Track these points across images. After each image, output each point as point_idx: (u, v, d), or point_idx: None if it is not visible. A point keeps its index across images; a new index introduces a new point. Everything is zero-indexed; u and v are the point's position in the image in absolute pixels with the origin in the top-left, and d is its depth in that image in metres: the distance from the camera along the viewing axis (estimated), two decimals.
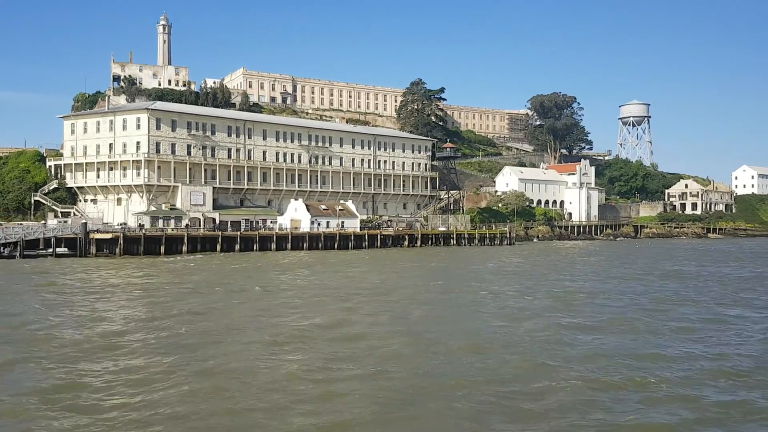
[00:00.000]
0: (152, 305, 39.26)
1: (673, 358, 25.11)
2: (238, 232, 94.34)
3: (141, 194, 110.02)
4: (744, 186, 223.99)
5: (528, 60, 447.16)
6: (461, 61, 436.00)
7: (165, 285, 50.49)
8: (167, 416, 18.33)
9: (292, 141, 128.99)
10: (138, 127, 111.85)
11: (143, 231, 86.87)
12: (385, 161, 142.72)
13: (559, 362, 24.35)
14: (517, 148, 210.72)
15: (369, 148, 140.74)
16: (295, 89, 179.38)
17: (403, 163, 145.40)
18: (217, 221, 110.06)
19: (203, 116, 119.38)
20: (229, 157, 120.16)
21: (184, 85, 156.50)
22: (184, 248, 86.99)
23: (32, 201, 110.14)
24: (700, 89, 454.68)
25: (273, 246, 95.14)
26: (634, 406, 19.42)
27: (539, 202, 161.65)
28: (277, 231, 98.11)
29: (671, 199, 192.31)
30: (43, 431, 17.47)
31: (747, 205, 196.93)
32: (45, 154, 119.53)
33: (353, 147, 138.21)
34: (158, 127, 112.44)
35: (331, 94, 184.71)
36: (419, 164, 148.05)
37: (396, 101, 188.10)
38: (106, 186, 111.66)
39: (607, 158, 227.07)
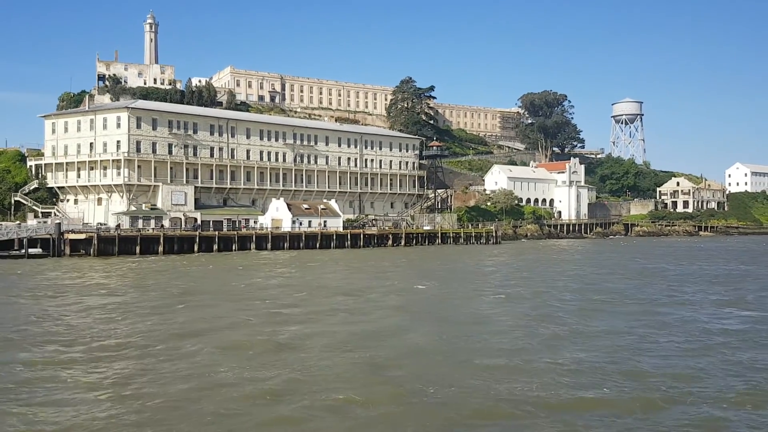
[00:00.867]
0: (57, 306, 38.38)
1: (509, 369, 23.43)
2: (216, 232, 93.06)
3: (121, 194, 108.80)
4: (737, 184, 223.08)
5: (521, 58, 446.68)
6: (453, 59, 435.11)
7: (95, 286, 49.45)
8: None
9: (276, 140, 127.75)
10: (118, 126, 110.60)
11: (118, 231, 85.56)
12: (372, 160, 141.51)
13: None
14: (509, 147, 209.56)
15: (355, 147, 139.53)
16: (283, 88, 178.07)
17: (391, 161, 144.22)
18: (199, 221, 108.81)
19: (185, 115, 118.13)
20: (212, 156, 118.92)
21: (170, 84, 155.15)
22: (160, 249, 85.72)
23: (12, 201, 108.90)
24: (694, 87, 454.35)
25: (252, 246, 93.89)
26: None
27: (529, 200, 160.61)
28: (257, 231, 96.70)
29: (663, 197, 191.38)
30: None
31: (739, 203, 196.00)
32: (26, 154, 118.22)
33: (339, 146, 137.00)
34: (138, 126, 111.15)
35: (321, 93, 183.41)
36: (407, 163, 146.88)
37: (386, 100, 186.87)
38: (86, 186, 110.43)
39: (599, 156, 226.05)
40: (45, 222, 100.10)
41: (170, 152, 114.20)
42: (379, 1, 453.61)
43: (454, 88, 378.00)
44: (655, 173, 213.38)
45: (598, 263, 73.42)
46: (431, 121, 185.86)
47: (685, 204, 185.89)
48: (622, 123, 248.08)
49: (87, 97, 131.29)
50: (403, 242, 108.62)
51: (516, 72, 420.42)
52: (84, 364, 23.73)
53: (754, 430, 17.03)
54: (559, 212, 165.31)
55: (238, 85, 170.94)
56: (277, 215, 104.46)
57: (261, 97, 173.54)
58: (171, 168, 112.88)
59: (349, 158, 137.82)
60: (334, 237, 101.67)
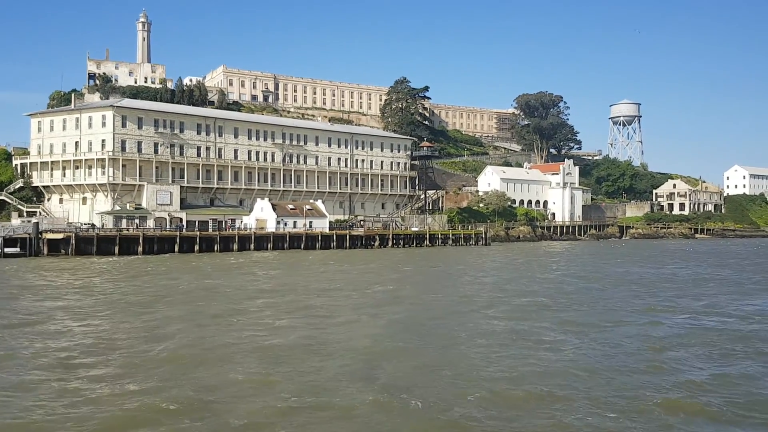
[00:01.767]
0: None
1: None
2: (198, 233, 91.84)
3: (105, 194, 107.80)
4: (736, 186, 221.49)
5: (518, 59, 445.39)
6: (450, 60, 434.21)
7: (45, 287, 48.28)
8: None
9: (265, 139, 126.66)
10: (103, 125, 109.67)
11: (96, 231, 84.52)
12: (363, 160, 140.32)
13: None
14: (505, 148, 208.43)
15: (346, 147, 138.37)
16: (277, 87, 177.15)
17: (382, 162, 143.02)
18: (184, 221, 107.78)
19: (171, 114, 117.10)
20: (199, 155, 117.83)
21: (161, 83, 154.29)
22: (140, 249, 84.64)
23: None
24: (692, 89, 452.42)
25: (235, 246, 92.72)
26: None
27: (522, 202, 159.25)
28: (239, 231, 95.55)
29: (659, 199, 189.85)
30: None
31: (737, 206, 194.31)
32: (12, 153, 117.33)
33: (329, 146, 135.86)
34: (124, 125, 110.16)
35: (314, 93, 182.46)
36: (398, 163, 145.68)
37: (381, 100, 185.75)
38: (71, 185, 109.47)
39: (596, 158, 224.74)
40: (29, 221, 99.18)
41: (156, 151, 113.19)
42: (374, 1, 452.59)
43: (450, 89, 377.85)
44: (652, 175, 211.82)
45: (572, 266, 71.85)
46: (426, 122, 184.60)
47: (682, 206, 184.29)
48: (619, 125, 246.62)
49: (73, 95, 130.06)
50: (390, 243, 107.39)
51: (514, 73, 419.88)
52: None
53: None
54: (553, 214, 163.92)
55: (230, 84, 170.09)
56: (261, 215, 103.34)
57: (254, 97, 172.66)
58: (157, 167, 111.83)
59: (339, 158, 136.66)
60: (320, 238, 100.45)
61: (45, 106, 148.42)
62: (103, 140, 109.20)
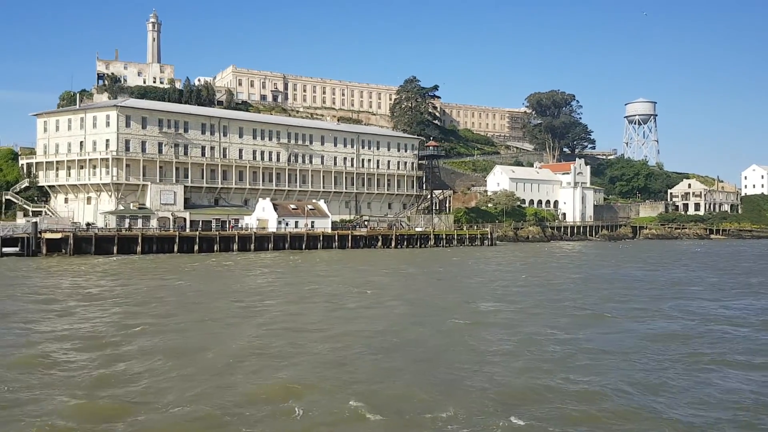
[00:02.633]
0: None
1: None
2: (197, 233, 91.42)
3: (109, 193, 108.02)
4: (754, 186, 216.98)
5: (532, 58, 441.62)
6: (461, 58, 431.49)
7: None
8: None
9: (270, 139, 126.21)
10: (107, 124, 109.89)
11: (95, 231, 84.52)
12: (369, 160, 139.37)
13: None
14: (517, 147, 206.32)
15: (352, 147, 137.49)
16: (286, 87, 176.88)
17: (389, 161, 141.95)
18: (188, 221, 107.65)
19: (175, 113, 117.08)
20: (203, 155, 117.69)
21: (170, 83, 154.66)
22: (138, 248, 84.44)
23: (3, 200, 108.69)
24: (709, 87, 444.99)
25: (235, 247, 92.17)
26: None
27: (532, 202, 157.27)
28: (239, 231, 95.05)
29: (674, 199, 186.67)
30: None
31: (754, 206, 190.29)
32: (19, 153, 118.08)
33: (335, 145, 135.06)
34: (128, 125, 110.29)
35: (324, 92, 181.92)
36: (405, 163, 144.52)
37: (390, 99, 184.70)
38: (75, 185, 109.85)
39: (611, 157, 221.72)
40: (34, 221, 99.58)
41: (160, 151, 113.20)
42: (384, 0, 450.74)
43: (462, 89, 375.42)
44: (667, 175, 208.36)
45: (567, 268, 70.21)
46: (436, 121, 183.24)
47: (697, 206, 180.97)
48: (635, 123, 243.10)
49: (78, 95, 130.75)
50: (393, 244, 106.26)
51: (528, 72, 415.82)
52: None
53: None
54: (564, 214, 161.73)
55: (240, 84, 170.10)
56: (263, 215, 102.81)
57: (263, 97, 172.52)
58: (160, 167, 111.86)
59: (345, 158, 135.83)
60: (321, 238, 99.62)
61: (55, 106, 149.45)
62: (107, 140, 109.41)
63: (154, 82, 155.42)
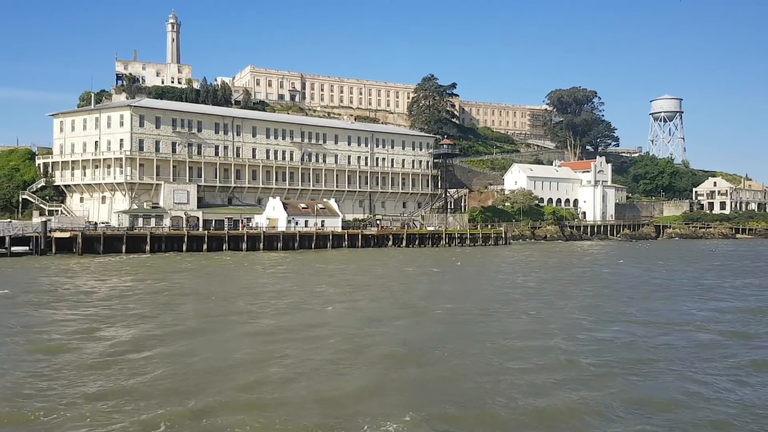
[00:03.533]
0: None
1: None
2: (206, 232, 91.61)
3: (123, 192, 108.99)
4: None
5: (554, 54, 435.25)
6: (483, 56, 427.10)
7: None
8: None
9: (283, 138, 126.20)
10: (121, 124, 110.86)
11: (103, 230, 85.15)
12: (384, 158, 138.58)
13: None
14: (538, 145, 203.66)
15: (366, 145, 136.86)
16: (303, 86, 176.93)
17: (403, 160, 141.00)
18: (201, 220, 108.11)
19: (189, 113, 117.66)
20: (217, 154, 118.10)
21: (187, 83, 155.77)
22: (147, 247, 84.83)
23: (20, 199, 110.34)
24: (737, 82, 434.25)
25: (244, 246, 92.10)
26: None
27: (551, 200, 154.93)
28: (247, 231, 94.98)
29: (699, 197, 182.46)
30: None
31: None
32: (36, 152, 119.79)
33: (349, 144, 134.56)
34: (141, 125, 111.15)
35: (341, 91, 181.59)
36: (420, 162, 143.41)
37: (408, 98, 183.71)
38: (91, 184, 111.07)
39: (636, 155, 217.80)
40: (49, 220, 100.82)
41: (174, 151, 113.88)
42: None
43: (482, 86, 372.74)
44: (693, 173, 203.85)
45: (579, 269, 68.68)
46: (454, 119, 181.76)
47: (722, 205, 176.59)
48: (660, 120, 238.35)
49: (93, 96, 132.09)
50: (404, 243, 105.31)
51: (550, 69, 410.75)
52: None
53: None
54: (584, 213, 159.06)
55: (257, 84, 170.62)
56: (273, 214, 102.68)
57: (281, 96, 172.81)
58: (174, 167, 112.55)
59: (359, 157, 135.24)
60: (331, 237, 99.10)
61: (75, 106, 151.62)
62: (122, 140, 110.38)
63: (172, 82, 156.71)
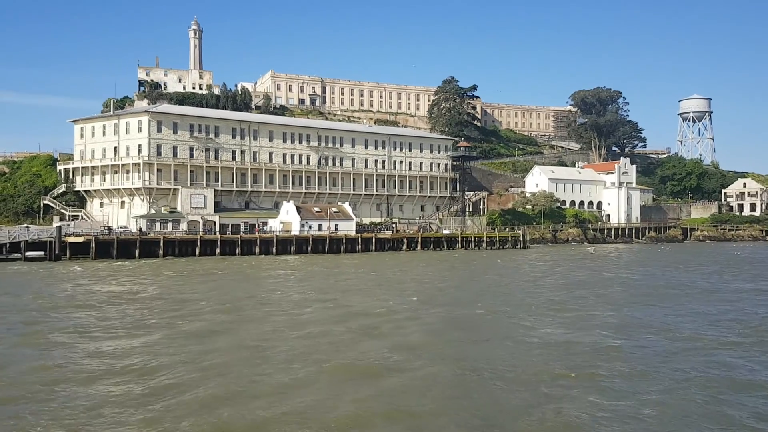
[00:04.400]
0: None
1: None
2: (218, 236, 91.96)
3: (141, 197, 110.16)
4: None
5: (579, 55, 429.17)
6: (506, 57, 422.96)
7: None
8: None
9: (300, 142, 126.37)
10: (139, 130, 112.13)
11: (117, 234, 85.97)
12: (401, 162, 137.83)
13: None
14: (563, 147, 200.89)
15: (384, 149, 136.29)
16: (324, 91, 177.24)
17: (421, 163, 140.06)
18: (217, 224, 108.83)
19: (206, 118, 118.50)
20: (234, 159, 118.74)
21: (208, 89, 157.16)
22: (161, 252, 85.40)
23: (41, 204, 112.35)
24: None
25: (257, 250, 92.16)
26: None
27: (573, 203, 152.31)
28: (260, 234, 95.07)
29: (728, 199, 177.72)
30: None
31: None
32: (58, 158, 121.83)
33: (366, 147, 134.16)
34: (159, 130, 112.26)
35: (361, 95, 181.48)
36: (439, 164, 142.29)
37: (428, 100, 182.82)
38: (110, 189, 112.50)
39: (663, 156, 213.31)
40: (69, 225, 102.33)
41: (191, 155, 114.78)
42: (425, 0, 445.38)
43: (505, 88, 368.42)
44: (722, 174, 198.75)
45: (584, 272, 67.02)
46: (475, 122, 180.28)
47: (753, 207, 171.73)
48: (689, 121, 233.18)
49: (113, 102, 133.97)
50: (419, 246, 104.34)
51: (576, 69, 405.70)
52: None
53: None
54: (608, 215, 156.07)
55: (278, 89, 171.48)
56: (286, 218, 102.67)
57: (302, 101, 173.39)
58: (191, 171, 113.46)
59: (377, 160, 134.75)
60: (344, 241, 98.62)
61: (99, 113, 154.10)
62: (140, 145, 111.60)
63: (194, 88, 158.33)
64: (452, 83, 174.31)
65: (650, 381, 21.68)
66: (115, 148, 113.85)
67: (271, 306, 39.96)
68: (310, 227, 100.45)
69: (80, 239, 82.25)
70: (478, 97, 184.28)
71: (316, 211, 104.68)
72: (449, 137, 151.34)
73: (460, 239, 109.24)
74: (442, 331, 31.34)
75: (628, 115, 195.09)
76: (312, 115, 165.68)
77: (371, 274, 62.67)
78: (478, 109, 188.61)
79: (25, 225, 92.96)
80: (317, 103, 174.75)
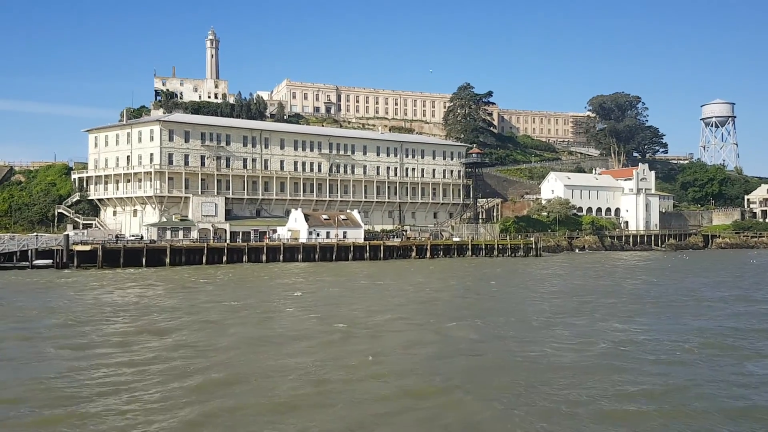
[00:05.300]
0: None
1: None
2: (226, 244, 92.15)
3: (153, 206, 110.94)
4: None
5: (600, 60, 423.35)
6: (521, 62, 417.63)
7: None
8: None
9: (311, 150, 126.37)
10: (151, 139, 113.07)
11: (123, 243, 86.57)
12: (414, 169, 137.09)
13: None
14: (582, 153, 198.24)
15: (396, 156, 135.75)
16: (339, 98, 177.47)
17: (434, 170, 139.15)
18: (228, 232, 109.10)
19: (217, 126, 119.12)
20: (245, 167, 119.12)
21: (222, 98, 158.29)
22: (167, 260, 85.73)
23: (56, 213, 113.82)
24: None
25: (264, 258, 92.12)
26: None
27: (590, 210, 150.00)
28: (267, 243, 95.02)
29: (752, 205, 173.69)
30: None
31: None
32: (72, 167, 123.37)
33: (378, 155, 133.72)
34: (171, 139, 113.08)
35: (377, 102, 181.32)
36: (452, 171, 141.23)
37: (444, 107, 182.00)
38: (122, 198, 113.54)
39: (686, 162, 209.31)
40: (83, 233, 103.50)
41: (203, 164, 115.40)
42: (438, 7, 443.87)
43: (523, 94, 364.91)
44: (746, 179, 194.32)
45: (579, 282, 65.49)
46: (491, 128, 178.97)
47: None
48: (712, 126, 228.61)
49: (125, 111, 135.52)
50: (428, 254, 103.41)
51: (594, 75, 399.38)
52: None
53: None
54: (626, 222, 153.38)
55: (294, 97, 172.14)
56: (294, 226, 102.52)
57: (317, 109, 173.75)
58: (203, 179, 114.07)
59: (388, 167, 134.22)
60: (352, 249, 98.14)
61: (116, 122, 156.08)
62: (152, 154, 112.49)
63: (209, 97, 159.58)
64: (468, 89, 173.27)
65: None
66: (128, 157, 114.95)
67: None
68: (318, 235, 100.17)
69: (87, 247, 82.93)
70: (494, 104, 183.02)
71: (324, 219, 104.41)
72: (462, 144, 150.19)
73: (470, 247, 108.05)
74: None
75: (647, 121, 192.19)
76: (327, 123, 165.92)
77: (377, 283, 62.08)
78: (495, 116, 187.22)
79: (35, 233, 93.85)
80: (332, 111, 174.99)
